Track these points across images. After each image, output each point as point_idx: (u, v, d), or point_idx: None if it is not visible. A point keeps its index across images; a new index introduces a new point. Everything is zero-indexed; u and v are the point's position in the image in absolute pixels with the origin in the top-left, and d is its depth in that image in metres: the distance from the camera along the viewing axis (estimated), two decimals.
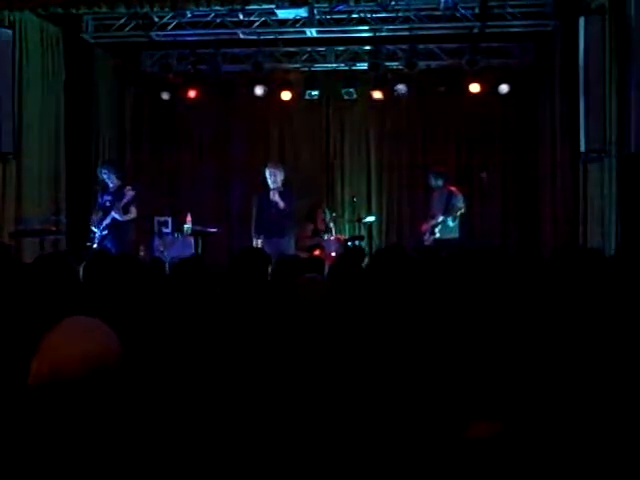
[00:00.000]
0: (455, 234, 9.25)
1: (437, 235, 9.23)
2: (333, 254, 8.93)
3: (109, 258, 4.68)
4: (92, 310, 2.46)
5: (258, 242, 8.58)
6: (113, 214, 8.23)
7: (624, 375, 2.38)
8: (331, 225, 9.68)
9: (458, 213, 9.19)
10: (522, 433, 1.66)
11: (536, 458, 1.64)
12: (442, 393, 2.05)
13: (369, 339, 2.83)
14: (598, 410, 2.10)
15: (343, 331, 2.86)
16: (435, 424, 1.96)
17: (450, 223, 9.20)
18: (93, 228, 8.37)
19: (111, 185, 8.43)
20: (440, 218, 9.24)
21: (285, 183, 8.71)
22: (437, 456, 1.71)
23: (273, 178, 8.56)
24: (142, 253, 8.75)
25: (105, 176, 8.44)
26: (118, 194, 8.31)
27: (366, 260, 9.54)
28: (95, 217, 8.38)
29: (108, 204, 8.30)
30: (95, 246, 8.19)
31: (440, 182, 9.46)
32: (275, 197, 8.48)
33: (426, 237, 9.39)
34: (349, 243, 9.60)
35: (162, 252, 8.93)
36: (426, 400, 2.18)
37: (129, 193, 8.28)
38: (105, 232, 8.26)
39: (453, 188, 9.45)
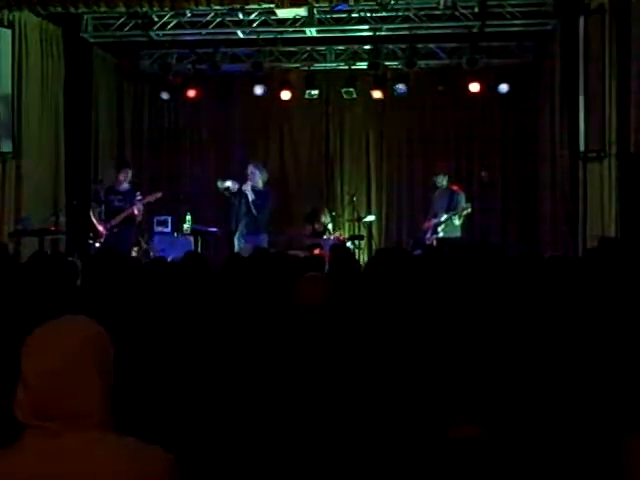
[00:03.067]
0: (458, 233, 9.25)
1: (440, 234, 9.21)
2: None
3: (111, 257, 4.68)
4: (89, 308, 2.46)
5: (235, 240, 8.84)
6: (135, 212, 8.45)
7: (617, 377, 2.38)
8: (329, 226, 9.71)
9: (464, 212, 9.19)
10: (502, 435, 1.67)
11: (515, 458, 1.65)
12: (430, 396, 2.05)
13: (367, 339, 2.83)
14: (586, 414, 2.10)
15: (342, 331, 2.85)
16: (422, 425, 1.96)
17: (456, 222, 9.20)
18: (99, 226, 8.51)
19: (123, 186, 8.63)
20: (444, 217, 9.22)
21: (265, 184, 8.94)
22: (422, 454, 1.72)
23: (251, 176, 8.80)
24: (135, 253, 8.75)
25: (123, 177, 8.65)
26: (129, 196, 8.54)
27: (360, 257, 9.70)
28: (98, 213, 8.55)
29: (117, 203, 8.49)
30: (100, 244, 8.37)
31: (446, 181, 9.47)
32: (247, 191, 8.71)
33: (428, 236, 9.37)
34: (349, 242, 9.60)
35: (154, 252, 8.92)
36: (416, 402, 2.19)
37: (153, 196, 8.72)
38: (115, 230, 8.46)
39: (455, 187, 9.46)
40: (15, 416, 1.57)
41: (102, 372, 1.61)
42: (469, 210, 9.21)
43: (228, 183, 9.00)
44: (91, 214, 8.62)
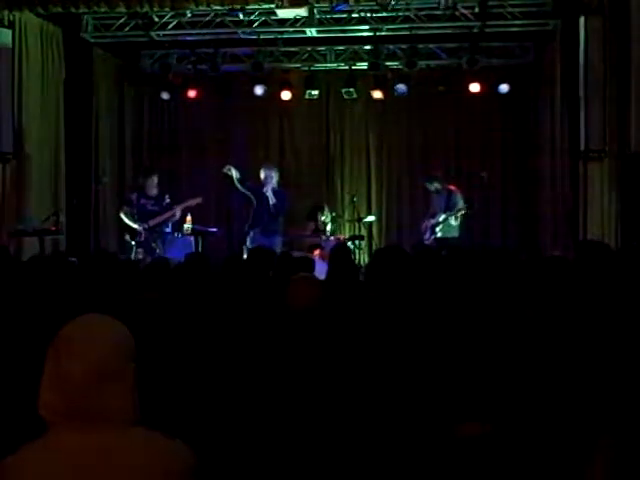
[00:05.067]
0: (455, 233, 9.24)
1: (438, 234, 9.20)
2: None
3: (110, 258, 4.68)
4: (89, 309, 2.45)
5: (248, 238, 8.89)
6: (176, 216, 9.01)
7: (621, 375, 2.38)
8: (329, 226, 9.71)
9: (459, 213, 9.17)
10: (508, 433, 1.67)
11: (521, 456, 1.65)
12: (435, 394, 2.05)
13: (363, 339, 2.83)
14: (593, 413, 2.10)
15: (337, 331, 2.85)
16: (427, 423, 1.96)
17: (452, 222, 9.18)
18: (131, 223, 8.91)
19: (153, 191, 9.05)
20: (442, 217, 9.21)
21: (279, 184, 9.05)
22: (428, 453, 1.72)
23: (269, 179, 8.88)
24: (140, 256, 8.79)
25: (150, 183, 9.07)
26: (160, 199, 9.03)
27: (360, 257, 9.71)
28: (131, 215, 8.97)
29: (150, 207, 8.97)
30: (137, 243, 8.85)
31: (434, 186, 9.45)
32: (268, 193, 8.80)
33: (427, 236, 9.36)
34: (349, 243, 9.59)
35: (160, 252, 8.97)
36: (419, 401, 2.19)
37: (194, 200, 9.15)
38: (151, 230, 8.91)
39: (452, 187, 9.45)
40: (40, 415, 1.58)
41: (131, 369, 1.63)
42: (463, 211, 9.18)
43: (233, 172, 9.08)
44: (124, 217, 9.03)
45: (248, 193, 9.05)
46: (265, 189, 8.84)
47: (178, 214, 9.05)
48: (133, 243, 8.89)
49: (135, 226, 8.92)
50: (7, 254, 5.09)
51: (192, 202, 9.13)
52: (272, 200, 8.80)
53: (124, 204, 9.31)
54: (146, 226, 8.89)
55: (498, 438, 1.65)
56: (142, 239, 8.87)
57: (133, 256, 8.74)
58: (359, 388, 2.36)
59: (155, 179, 9.12)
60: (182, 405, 2.60)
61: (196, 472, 1.64)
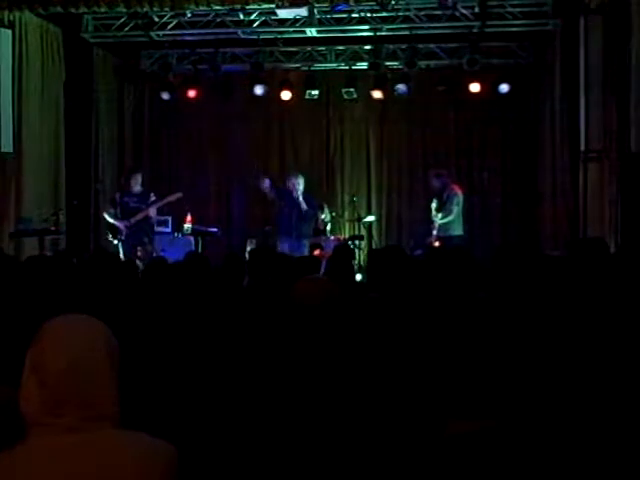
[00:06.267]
0: (460, 231, 9.21)
1: (434, 233, 9.19)
2: None
3: (106, 258, 4.68)
4: (87, 309, 2.45)
5: (278, 243, 8.95)
6: (151, 214, 8.92)
7: (620, 374, 2.38)
8: (328, 226, 9.72)
9: (433, 212, 9.19)
10: (502, 430, 1.67)
11: (515, 454, 1.64)
12: (428, 392, 2.05)
13: (364, 336, 2.83)
14: (592, 413, 2.10)
15: (342, 332, 2.85)
16: (417, 422, 1.96)
17: (438, 220, 9.16)
18: (114, 221, 8.81)
19: (136, 189, 8.98)
20: (439, 216, 9.23)
21: (306, 190, 9.20)
22: (418, 452, 1.71)
23: (297, 186, 9.02)
24: (140, 254, 8.79)
25: (134, 181, 9.01)
26: (144, 197, 8.95)
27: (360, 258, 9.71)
28: (114, 215, 8.88)
29: (132, 205, 8.89)
30: (121, 241, 8.78)
31: (441, 181, 9.40)
32: (300, 199, 8.96)
33: (434, 234, 9.35)
34: (349, 243, 9.59)
35: (156, 252, 8.97)
36: (412, 399, 2.19)
37: (174, 196, 9.13)
38: (134, 228, 8.82)
39: (454, 186, 9.43)
40: (22, 414, 1.57)
41: (113, 366, 1.63)
42: (448, 210, 9.15)
43: (267, 184, 9.21)
44: (107, 216, 8.95)
45: (276, 198, 9.14)
46: (295, 195, 8.97)
47: (153, 213, 8.96)
48: (116, 242, 8.76)
49: (117, 224, 8.79)
50: (3, 254, 5.10)
51: (172, 197, 9.11)
52: (304, 205, 8.96)
53: (108, 205, 9.23)
54: (127, 224, 8.80)
55: (489, 436, 1.65)
56: (124, 237, 8.78)
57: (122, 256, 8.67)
58: (352, 384, 2.36)
59: (139, 177, 9.06)
60: (182, 404, 2.60)
61: (178, 472, 1.63)
